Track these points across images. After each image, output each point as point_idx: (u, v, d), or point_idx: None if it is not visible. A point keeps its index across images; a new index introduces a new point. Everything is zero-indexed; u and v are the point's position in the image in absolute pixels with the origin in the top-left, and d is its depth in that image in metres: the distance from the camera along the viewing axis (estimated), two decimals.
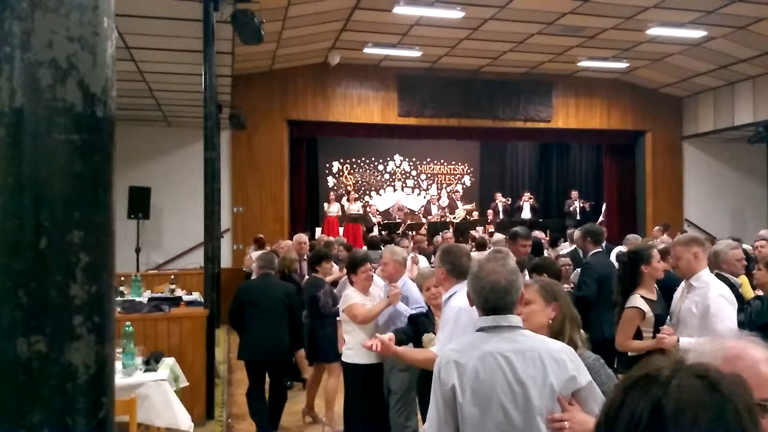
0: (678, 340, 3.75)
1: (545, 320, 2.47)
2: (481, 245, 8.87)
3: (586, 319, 5.17)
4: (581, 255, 7.11)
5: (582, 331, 2.64)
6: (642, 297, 4.07)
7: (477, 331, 2.25)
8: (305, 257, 8.03)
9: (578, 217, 15.39)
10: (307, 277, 7.59)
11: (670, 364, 0.98)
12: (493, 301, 2.21)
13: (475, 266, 2.35)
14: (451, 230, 14.18)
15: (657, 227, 12.18)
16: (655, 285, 4.26)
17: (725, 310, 3.76)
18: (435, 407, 2.21)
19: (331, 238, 10.60)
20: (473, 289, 2.28)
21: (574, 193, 16.24)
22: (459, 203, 16.85)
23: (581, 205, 15.86)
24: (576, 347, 2.38)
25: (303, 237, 8.49)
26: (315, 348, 6.14)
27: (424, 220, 15.83)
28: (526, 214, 16.03)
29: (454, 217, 15.80)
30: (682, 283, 4.15)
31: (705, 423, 0.90)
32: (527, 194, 16.67)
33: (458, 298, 3.41)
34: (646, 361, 1.02)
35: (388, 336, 4.17)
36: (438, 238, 10.57)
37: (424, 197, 18.29)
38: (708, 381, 0.94)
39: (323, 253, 6.68)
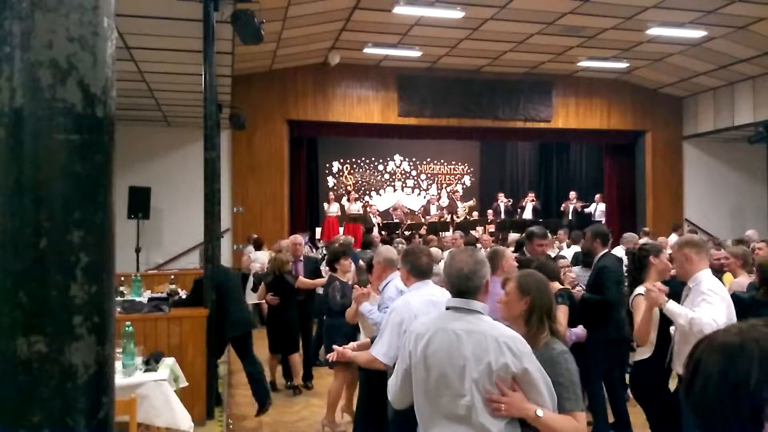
0: (667, 302, 3.83)
1: (518, 311, 2.69)
2: (469, 245, 8.87)
3: (608, 320, 5.18)
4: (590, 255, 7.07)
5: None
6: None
7: (446, 309, 2.60)
8: (301, 258, 7.97)
9: (570, 217, 15.38)
10: (301, 277, 7.60)
11: (735, 329, 1.12)
12: (457, 286, 2.56)
13: (449, 256, 2.73)
14: (452, 231, 14.22)
15: (644, 229, 12.23)
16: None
17: (715, 302, 3.74)
18: (397, 367, 2.79)
19: (345, 237, 10.60)
20: (445, 274, 2.67)
21: (572, 194, 16.26)
22: (458, 203, 16.84)
23: (574, 206, 15.86)
24: (538, 339, 2.59)
25: (299, 238, 8.30)
26: (327, 350, 6.07)
27: (423, 220, 15.82)
28: (528, 214, 16.02)
29: (457, 216, 15.79)
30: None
31: (711, 386, 1.07)
32: (531, 194, 16.66)
33: (402, 298, 3.72)
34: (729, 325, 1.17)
35: (356, 343, 4.26)
36: (447, 237, 10.58)
37: (424, 197, 18.31)
38: (729, 348, 1.08)
39: (340, 251, 6.61)
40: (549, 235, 6.98)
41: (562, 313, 4.43)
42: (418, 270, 3.68)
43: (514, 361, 2.38)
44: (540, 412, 2.36)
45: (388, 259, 4.79)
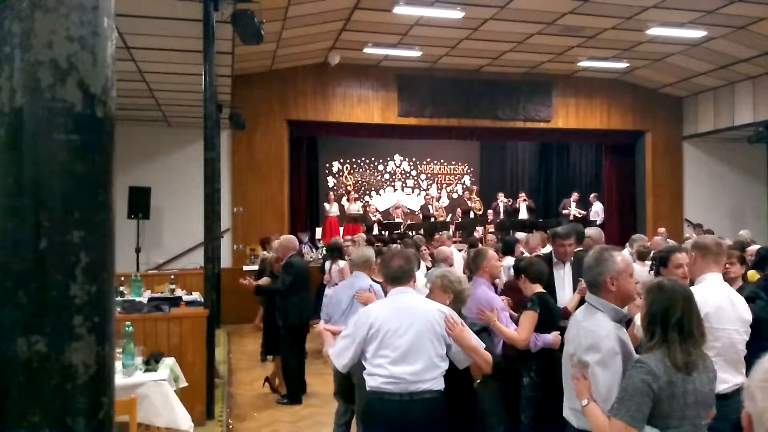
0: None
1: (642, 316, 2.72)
2: (472, 246, 8.84)
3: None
4: None
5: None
6: None
7: None
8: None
9: (570, 218, 15.33)
10: (250, 278, 7.49)
11: None
12: (585, 280, 2.89)
13: None
14: (452, 230, 14.18)
15: (661, 230, 12.14)
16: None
17: None
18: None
19: (359, 236, 10.58)
20: None
21: (575, 195, 16.20)
22: (430, 207, 16.77)
23: (570, 210, 15.80)
24: (648, 347, 2.53)
25: (286, 239, 7.52)
26: None
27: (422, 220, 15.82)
28: (523, 214, 15.99)
29: (435, 217, 15.70)
30: None
31: None
32: (522, 195, 16.62)
33: (370, 305, 3.69)
34: None
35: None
36: (436, 237, 10.56)
37: (424, 197, 18.33)
38: None
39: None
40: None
41: (527, 318, 4.36)
42: (386, 276, 3.58)
43: (579, 351, 2.64)
44: (584, 402, 2.56)
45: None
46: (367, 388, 3.35)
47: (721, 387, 3.30)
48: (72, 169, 1.11)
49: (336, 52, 12.88)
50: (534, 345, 4.37)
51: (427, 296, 3.79)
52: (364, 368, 3.43)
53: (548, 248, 7.06)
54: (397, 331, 3.29)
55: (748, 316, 3.63)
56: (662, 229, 12.03)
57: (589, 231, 7.00)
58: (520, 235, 9.85)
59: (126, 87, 9.82)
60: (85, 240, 1.12)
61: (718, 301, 3.62)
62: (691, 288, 3.87)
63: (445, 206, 17.47)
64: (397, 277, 3.49)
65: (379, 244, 9.73)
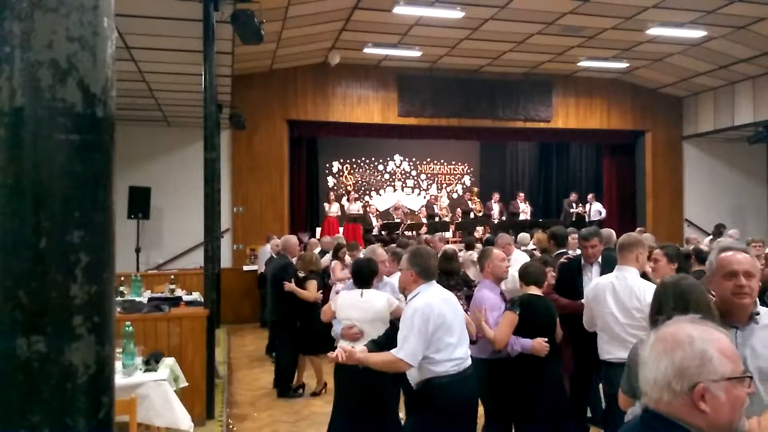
0: None
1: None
2: (469, 246, 8.83)
3: None
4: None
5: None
6: None
7: None
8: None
9: (573, 219, 15.31)
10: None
11: None
12: None
13: None
14: (452, 231, 14.16)
15: (639, 228, 12.29)
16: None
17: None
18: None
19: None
20: None
21: (573, 195, 16.17)
22: (435, 207, 16.76)
23: (573, 210, 15.75)
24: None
25: (284, 242, 7.90)
26: None
27: (424, 221, 15.80)
28: (523, 215, 15.95)
29: (440, 216, 15.69)
30: None
31: None
32: (521, 195, 16.57)
33: (419, 299, 3.63)
34: None
35: (360, 348, 3.96)
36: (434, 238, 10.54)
37: (424, 197, 18.32)
38: None
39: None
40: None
41: (504, 320, 4.31)
42: (427, 272, 3.72)
43: None
44: None
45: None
46: (430, 376, 3.55)
47: (606, 357, 4.07)
48: (72, 169, 1.11)
49: (336, 52, 12.89)
50: (512, 349, 4.29)
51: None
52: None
53: (516, 253, 7.19)
54: (453, 318, 3.66)
55: (633, 304, 4.00)
56: (640, 228, 12.16)
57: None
58: (522, 235, 9.86)
59: (126, 87, 9.82)
60: (85, 240, 1.12)
61: (600, 288, 4.16)
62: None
63: (445, 206, 17.45)
64: (434, 273, 3.79)
65: (379, 244, 9.72)
